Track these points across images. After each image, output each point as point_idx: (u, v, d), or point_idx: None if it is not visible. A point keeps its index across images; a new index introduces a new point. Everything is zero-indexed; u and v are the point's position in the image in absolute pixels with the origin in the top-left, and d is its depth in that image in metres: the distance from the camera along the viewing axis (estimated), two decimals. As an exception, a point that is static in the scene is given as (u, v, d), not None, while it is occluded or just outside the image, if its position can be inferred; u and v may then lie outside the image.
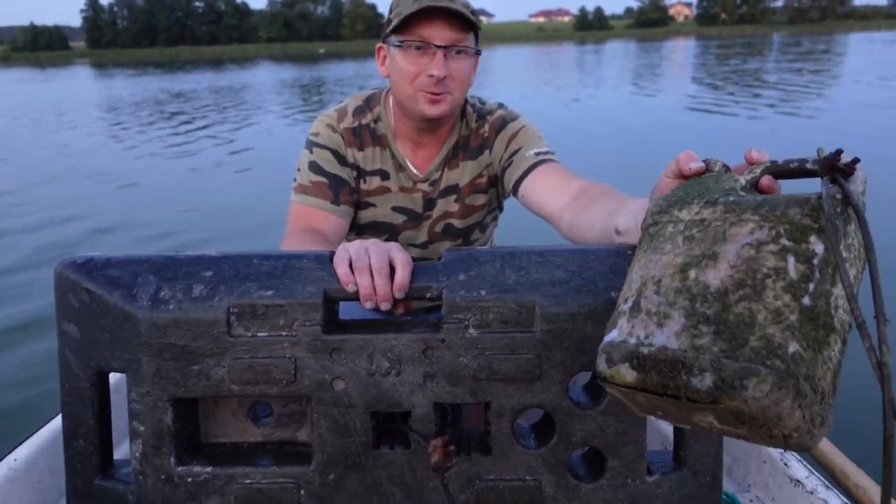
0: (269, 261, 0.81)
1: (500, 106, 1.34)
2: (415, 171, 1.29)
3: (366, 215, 1.32)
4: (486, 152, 1.31)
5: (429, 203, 1.32)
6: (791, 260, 0.54)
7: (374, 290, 0.77)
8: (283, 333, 0.78)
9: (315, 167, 1.25)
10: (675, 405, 0.56)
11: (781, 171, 0.65)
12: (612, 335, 0.61)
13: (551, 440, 0.79)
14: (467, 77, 1.20)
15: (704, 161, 0.71)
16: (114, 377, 0.92)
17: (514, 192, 1.24)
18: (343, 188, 1.25)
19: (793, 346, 0.51)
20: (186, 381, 0.79)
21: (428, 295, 0.79)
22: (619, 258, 0.79)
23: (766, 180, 0.66)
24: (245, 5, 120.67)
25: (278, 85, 21.15)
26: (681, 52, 36.68)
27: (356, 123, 1.29)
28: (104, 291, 0.80)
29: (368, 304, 0.78)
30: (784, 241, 0.55)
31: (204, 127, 10.91)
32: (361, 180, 1.29)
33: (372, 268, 0.77)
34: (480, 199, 1.34)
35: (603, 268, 0.78)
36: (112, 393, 0.87)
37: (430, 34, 1.13)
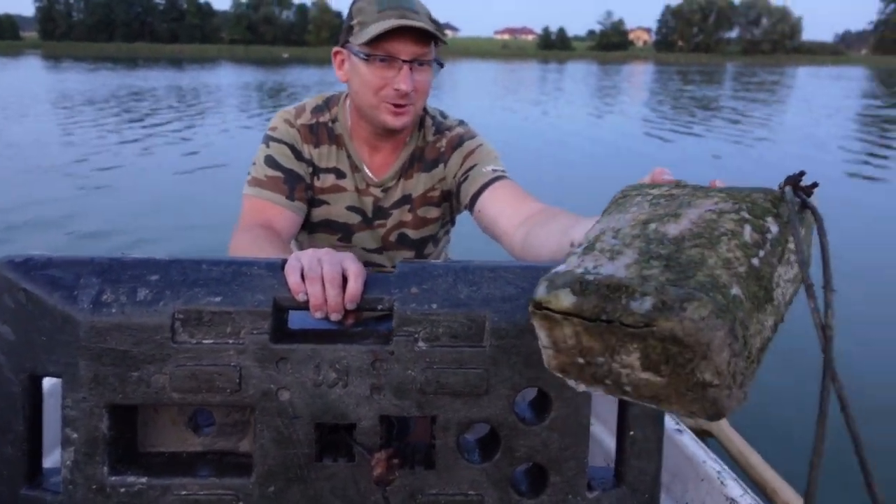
0: (218, 266, 0.80)
1: (461, 123, 1.35)
2: (370, 175, 1.30)
3: (319, 213, 1.32)
4: (441, 166, 1.31)
5: (379, 210, 1.32)
6: (748, 228, 0.56)
7: (325, 299, 0.77)
8: (230, 341, 0.77)
9: (271, 161, 1.24)
10: (602, 338, 0.54)
11: None
12: (559, 268, 0.60)
13: (495, 455, 0.80)
14: (428, 88, 1.22)
15: (676, 182, 0.72)
16: (47, 382, 0.88)
17: (470, 208, 1.25)
18: (298, 184, 1.25)
19: (735, 290, 0.52)
20: (125, 387, 0.77)
21: (379, 307, 0.79)
22: None
23: None
24: (208, 5, 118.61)
25: (241, 87, 20.81)
26: (640, 76, 37.71)
27: (314, 120, 1.29)
28: (43, 292, 0.77)
29: (318, 314, 0.78)
30: (744, 214, 0.58)
31: (160, 125, 10.63)
32: (315, 177, 1.29)
33: (324, 278, 0.77)
34: (433, 213, 1.35)
35: None
36: (45, 398, 0.84)
37: (398, 49, 1.15)
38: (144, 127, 10.43)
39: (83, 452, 0.77)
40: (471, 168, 1.26)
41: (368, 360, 0.77)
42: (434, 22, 1.20)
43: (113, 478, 0.78)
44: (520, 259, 1.06)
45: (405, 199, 1.32)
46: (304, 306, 0.78)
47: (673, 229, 0.58)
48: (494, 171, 1.24)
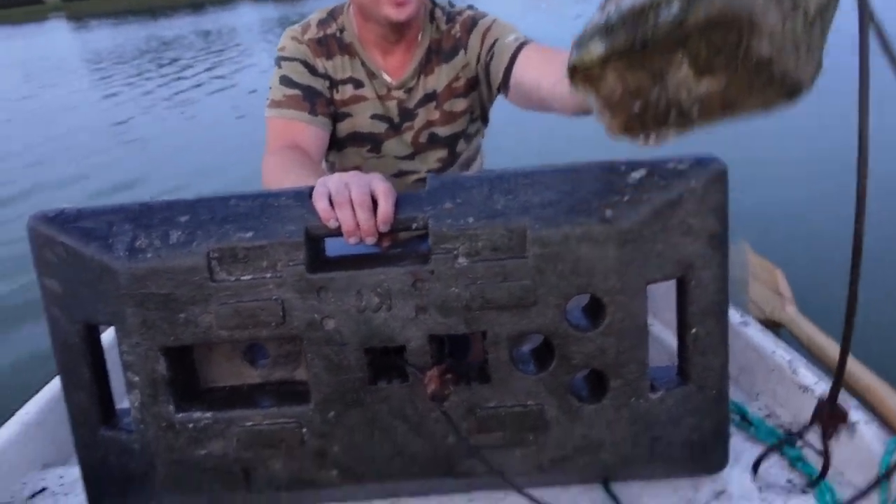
0: (246, 201, 0.78)
1: (470, 7, 1.30)
2: (388, 79, 1.26)
3: (344, 127, 1.28)
4: (462, 52, 1.26)
5: (405, 113, 1.28)
6: None
7: (357, 224, 0.74)
8: (268, 275, 0.76)
9: (287, 80, 1.21)
10: (646, 67, 0.51)
11: None
12: (585, 28, 0.55)
13: (551, 365, 0.78)
14: None
15: None
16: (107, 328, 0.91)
17: (505, 84, 1.19)
18: (318, 99, 1.21)
19: None
20: (174, 329, 0.77)
21: (414, 226, 0.76)
22: (612, 174, 0.75)
23: None
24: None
25: (266, 24, 20.44)
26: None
27: (321, 33, 1.25)
28: (79, 244, 0.77)
29: (352, 240, 0.75)
30: None
31: (193, 76, 10.62)
32: (334, 90, 1.26)
33: (353, 201, 0.74)
34: (460, 105, 1.29)
35: (596, 185, 0.74)
36: (108, 344, 0.86)
37: None
38: (177, 80, 10.44)
39: (147, 394, 0.80)
40: (493, 44, 1.21)
41: (409, 281, 0.75)
42: None
43: (179, 415, 0.80)
44: (573, 110, 1.00)
45: (430, 97, 1.28)
46: (337, 233, 0.75)
47: None
48: (517, 38, 1.19)
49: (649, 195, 0.73)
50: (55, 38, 26.76)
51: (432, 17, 1.28)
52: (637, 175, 0.74)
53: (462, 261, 0.74)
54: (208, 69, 10.85)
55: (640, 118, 0.54)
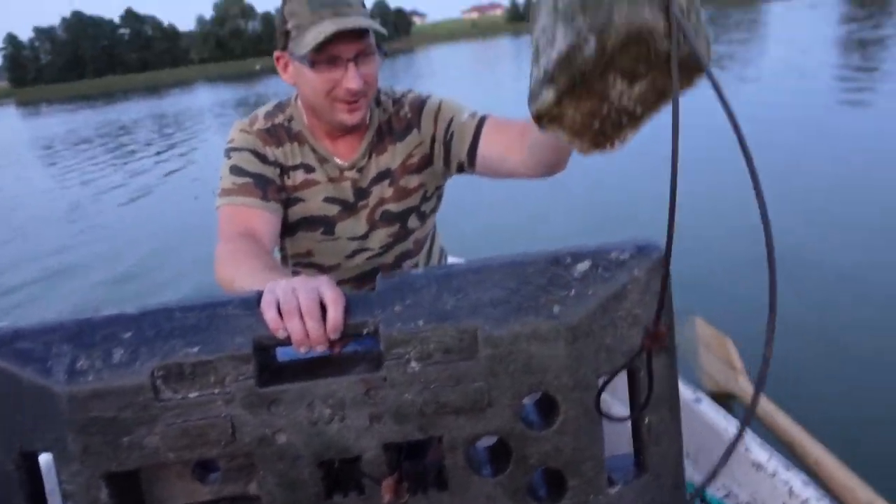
0: (192, 312, 0.76)
1: (409, 90, 1.36)
2: (339, 161, 1.29)
3: (296, 211, 1.29)
4: (415, 131, 1.31)
5: (360, 192, 1.31)
6: None
7: (307, 333, 0.73)
8: (216, 391, 0.73)
9: (237, 170, 1.22)
10: (591, 91, 0.61)
11: None
12: (531, 83, 0.67)
13: (508, 467, 0.77)
14: (376, 76, 1.20)
15: None
16: (44, 456, 0.86)
17: (471, 162, 1.24)
18: (269, 186, 1.22)
19: None
20: (118, 454, 0.74)
21: (364, 331, 0.75)
22: (557, 267, 0.77)
23: None
24: (173, 27, 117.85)
25: (220, 105, 20.64)
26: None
27: (269, 124, 1.28)
28: (16, 368, 0.74)
29: (302, 350, 0.74)
30: None
31: (145, 158, 10.57)
32: (285, 176, 1.27)
33: (302, 310, 0.73)
34: (413, 181, 1.33)
35: (542, 280, 0.76)
36: (45, 473, 0.81)
37: (340, 50, 1.13)
38: (129, 163, 10.37)
39: None
40: (449, 124, 1.26)
41: (362, 389, 0.74)
42: (365, 12, 1.19)
43: None
44: (535, 168, 1.10)
45: (385, 174, 1.31)
46: (286, 342, 0.74)
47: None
48: (472, 115, 1.25)
49: (594, 288, 0.75)
50: (3, 124, 26.39)
51: (378, 102, 1.33)
52: (581, 268, 0.76)
53: (414, 365, 0.74)
54: (161, 152, 10.85)
55: (602, 132, 0.65)
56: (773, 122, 6.35)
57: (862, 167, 4.72)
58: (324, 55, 1.13)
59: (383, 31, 1.18)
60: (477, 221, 4.51)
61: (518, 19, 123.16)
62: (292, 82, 1.23)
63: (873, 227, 3.57)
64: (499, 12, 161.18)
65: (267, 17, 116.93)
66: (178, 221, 5.99)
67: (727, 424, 1.06)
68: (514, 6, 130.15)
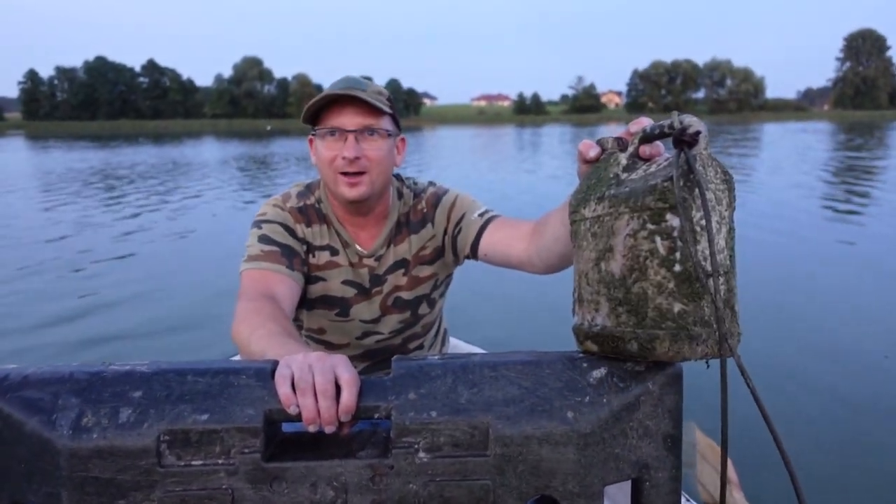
0: (204, 378, 0.76)
1: (431, 183, 1.43)
2: (360, 248, 1.34)
3: (316, 289, 1.34)
4: (429, 225, 1.38)
5: (376, 278, 1.35)
6: (658, 240, 0.69)
7: (319, 412, 0.73)
8: (220, 461, 0.72)
9: (265, 238, 1.26)
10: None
11: (651, 137, 0.78)
12: (575, 321, 0.83)
13: None
14: (384, 157, 1.25)
15: (598, 142, 0.86)
16: None
17: (474, 254, 1.31)
18: (295, 257, 1.26)
19: (677, 307, 0.69)
20: None
21: (376, 416, 0.75)
22: (573, 372, 0.78)
23: (644, 150, 0.79)
24: (191, 82, 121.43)
25: (231, 160, 20.97)
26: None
27: (301, 203, 1.34)
28: (20, 416, 0.72)
29: (312, 428, 0.74)
30: (649, 226, 0.70)
31: (141, 206, 10.63)
32: (311, 254, 1.33)
33: (316, 388, 0.73)
34: (426, 271, 1.38)
35: (557, 384, 0.77)
36: None
37: (342, 121, 1.22)
38: (123, 210, 10.41)
39: None
40: (460, 220, 1.33)
41: (367, 475, 0.73)
42: (387, 99, 1.27)
43: None
44: (543, 269, 1.18)
45: (400, 263, 1.37)
46: (297, 418, 0.74)
47: (615, 268, 0.74)
48: (481, 214, 1.32)
49: (608, 397, 0.75)
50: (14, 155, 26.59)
51: (400, 194, 1.39)
52: (597, 374, 0.77)
53: (423, 455, 0.73)
54: (162, 194, 10.91)
55: None
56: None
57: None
58: (328, 125, 1.22)
59: (388, 108, 1.25)
60: (476, 299, 4.52)
61: (523, 112, 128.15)
62: (315, 163, 1.30)
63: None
64: (506, 103, 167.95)
65: (282, 83, 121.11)
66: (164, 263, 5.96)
67: None
68: (521, 99, 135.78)
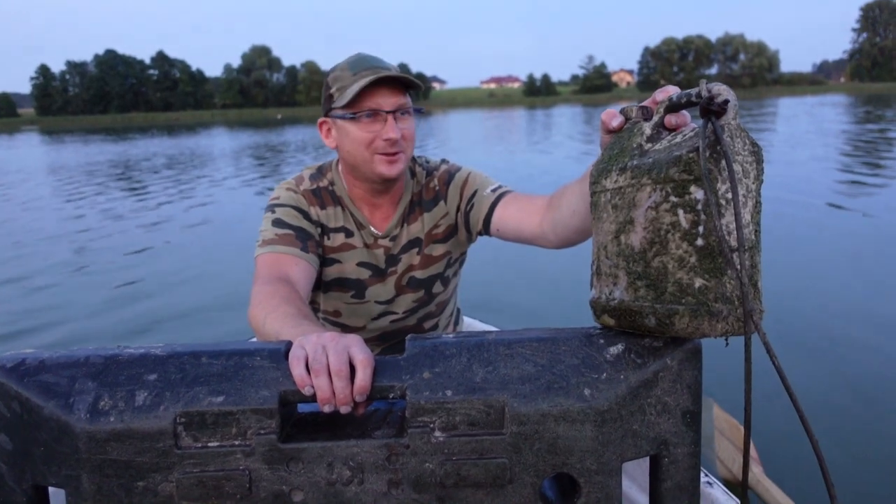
0: (219, 359, 0.76)
1: (444, 161, 1.42)
2: (374, 230, 1.34)
3: (331, 272, 1.34)
4: (441, 203, 1.37)
5: (391, 259, 1.36)
6: (680, 213, 0.68)
7: (333, 392, 0.73)
8: (236, 443, 0.72)
9: (279, 222, 1.26)
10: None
11: (677, 106, 0.75)
12: (592, 294, 0.82)
13: None
14: (414, 135, 1.27)
15: (622, 111, 0.84)
16: (54, 490, 0.84)
17: (486, 230, 1.30)
18: (309, 240, 1.26)
19: (698, 282, 0.67)
20: (131, 497, 0.72)
21: (391, 395, 0.75)
22: (590, 348, 0.77)
23: (669, 119, 0.76)
24: (200, 73, 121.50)
25: (245, 150, 21.03)
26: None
27: (315, 186, 1.34)
28: (38, 400, 0.73)
29: (327, 408, 0.74)
30: (672, 199, 0.68)
31: (154, 196, 10.71)
32: (325, 237, 1.32)
33: (330, 369, 0.73)
34: (439, 249, 1.38)
35: (574, 360, 0.76)
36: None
37: (380, 102, 1.20)
38: (139, 201, 10.50)
39: None
40: (472, 196, 1.33)
41: (383, 454, 0.73)
42: (407, 70, 1.26)
43: None
44: (558, 243, 1.17)
45: (414, 242, 1.37)
46: (311, 399, 0.74)
47: (635, 240, 0.73)
48: (493, 190, 1.31)
49: (626, 373, 0.75)
50: (29, 150, 26.88)
51: (413, 173, 1.39)
52: (614, 350, 0.76)
53: (438, 435, 0.73)
54: (174, 185, 10.99)
55: None
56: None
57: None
58: (365, 107, 1.20)
59: (420, 85, 1.24)
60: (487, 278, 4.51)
61: (533, 93, 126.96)
62: (334, 146, 1.29)
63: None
64: (516, 85, 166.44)
65: (291, 71, 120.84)
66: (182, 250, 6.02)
67: None
68: (531, 80, 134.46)
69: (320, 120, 1.30)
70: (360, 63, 1.22)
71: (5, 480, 0.75)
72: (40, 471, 0.74)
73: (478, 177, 1.36)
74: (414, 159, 1.41)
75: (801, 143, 14.41)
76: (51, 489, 0.78)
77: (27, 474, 0.74)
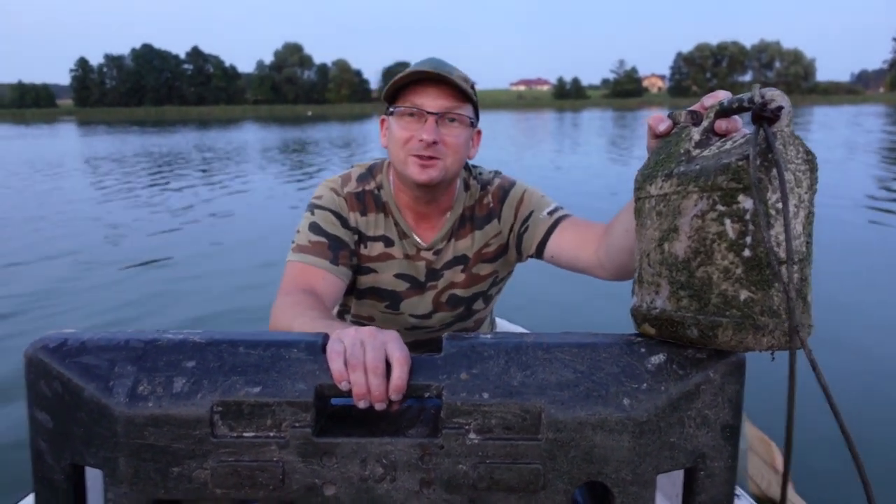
0: (256, 350, 0.76)
1: (497, 174, 1.36)
2: (419, 240, 1.28)
3: (366, 280, 1.30)
4: (495, 221, 1.31)
5: (432, 273, 1.30)
6: (728, 222, 0.66)
7: (369, 388, 0.73)
8: (271, 434, 0.73)
9: (315, 228, 1.23)
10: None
11: (728, 111, 0.72)
12: (633, 302, 0.80)
13: None
14: (461, 145, 1.19)
15: (670, 116, 0.82)
16: (91, 470, 0.85)
17: (539, 255, 1.25)
18: (342, 250, 1.22)
19: (744, 294, 0.65)
20: (166, 483, 0.73)
21: (427, 395, 0.74)
22: (630, 357, 0.75)
23: (720, 124, 0.74)
24: (233, 68, 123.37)
25: (272, 145, 21.31)
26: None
27: (360, 189, 1.29)
28: (79, 381, 0.74)
29: (362, 404, 0.74)
30: (719, 207, 0.66)
31: (189, 187, 10.90)
32: (362, 245, 1.28)
33: (367, 365, 0.73)
34: (486, 269, 1.33)
35: (614, 369, 0.74)
36: (90, 486, 0.81)
37: (423, 102, 1.16)
38: (170, 192, 10.69)
39: None
40: (528, 217, 1.27)
41: (417, 454, 0.73)
42: (471, 87, 1.21)
43: None
44: (614, 272, 1.13)
45: (460, 259, 1.31)
46: (347, 394, 0.74)
47: (679, 249, 0.71)
48: (550, 213, 1.25)
49: (667, 384, 0.73)
50: (65, 140, 27.56)
51: (467, 186, 1.32)
52: (656, 360, 0.75)
53: (473, 437, 0.72)
54: (204, 178, 11.16)
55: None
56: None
57: None
58: (408, 103, 1.16)
59: (473, 94, 1.19)
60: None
61: (563, 96, 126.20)
62: (385, 145, 1.25)
63: None
64: (545, 88, 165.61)
65: (322, 68, 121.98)
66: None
67: None
68: (561, 83, 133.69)
69: (381, 117, 1.26)
70: (422, 62, 1.18)
71: (45, 458, 0.76)
72: (79, 451, 0.75)
73: (534, 195, 1.29)
74: (470, 171, 1.34)
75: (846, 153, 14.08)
76: (88, 469, 0.79)
77: (66, 453, 0.75)
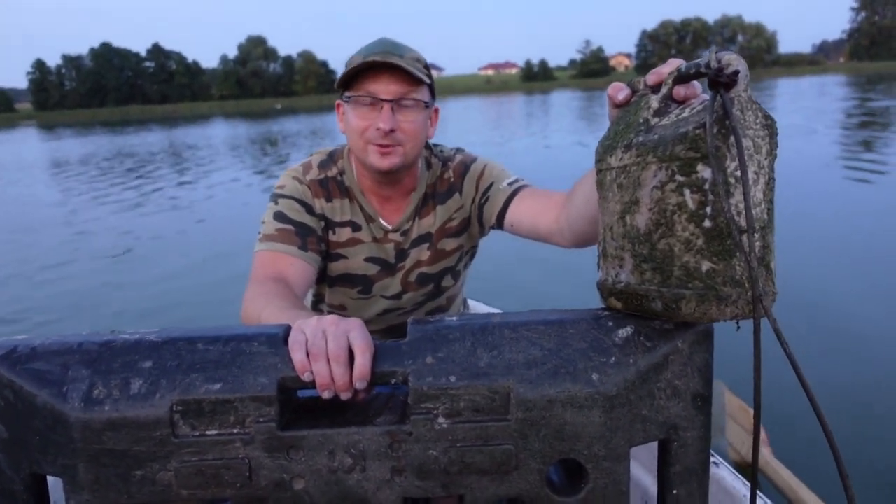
0: (215, 346, 0.74)
1: (459, 150, 1.36)
2: (384, 223, 1.28)
3: (337, 267, 1.29)
4: (456, 195, 1.31)
5: (401, 253, 1.30)
6: (687, 193, 0.65)
7: (333, 379, 0.71)
8: (235, 431, 0.70)
9: (280, 216, 1.21)
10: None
11: (686, 77, 0.71)
12: (599, 276, 0.80)
13: None
14: (419, 130, 1.19)
15: (629, 83, 0.81)
16: (53, 479, 0.83)
17: (500, 224, 1.25)
18: (310, 236, 1.21)
19: (706, 265, 0.64)
20: (129, 487, 0.70)
21: (392, 381, 0.73)
22: (598, 331, 0.74)
23: (678, 91, 0.72)
24: (196, 64, 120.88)
25: (255, 140, 20.98)
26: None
27: (322, 175, 1.27)
28: (32, 388, 0.71)
29: (326, 394, 0.72)
30: (678, 178, 0.65)
31: (155, 190, 10.68)
32: (330, 231, 1.27)
33: (329, 354, 0.71)
34: (451, 244, 1.33)
35: (582, 344, 0.73)
36: (52, 495, 0.78)
37: (377, 89, 1.14)
38: (138, 192, 10.47)
39: None
40: (488, 188, 1.27)
41: (386, 442, 0.71)
42: (424, 66, 1.19)
43: None
44: (574, 240, 1.12)
45: (425, 237, 1.31)
46: (311, 385, 0.72)
47: (640, 221, 0.70)
48: (510, 183, 1.25)
49: (635, 357, 0.72)
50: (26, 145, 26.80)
51: (429, 165, 1.32)
52: (623, 334, 0.74)
53: (442, 421, 0.71)
54: (174, 175, 10.97)
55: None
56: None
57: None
58: (362, 91, 1.15)
59: (426, 78, 1.18)
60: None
61: (531, 79, 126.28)
62: (343, 130, 1.23)
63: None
64: (513, 71, 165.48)
65: (287, 61, 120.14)
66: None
67: (747, 492, 1.02)
68: (529, 66, 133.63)
69: (337, 102, 1.24)
70: (373, 46, 1.16)
71: (3, 469, 0.73)
72: (37, 460, 0.72)
73: (494, 168, 1.30)
74: (430, 149, 1.34)
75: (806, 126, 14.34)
76: (49, 478, 0.76)
77: (24, 463, 0.73)
